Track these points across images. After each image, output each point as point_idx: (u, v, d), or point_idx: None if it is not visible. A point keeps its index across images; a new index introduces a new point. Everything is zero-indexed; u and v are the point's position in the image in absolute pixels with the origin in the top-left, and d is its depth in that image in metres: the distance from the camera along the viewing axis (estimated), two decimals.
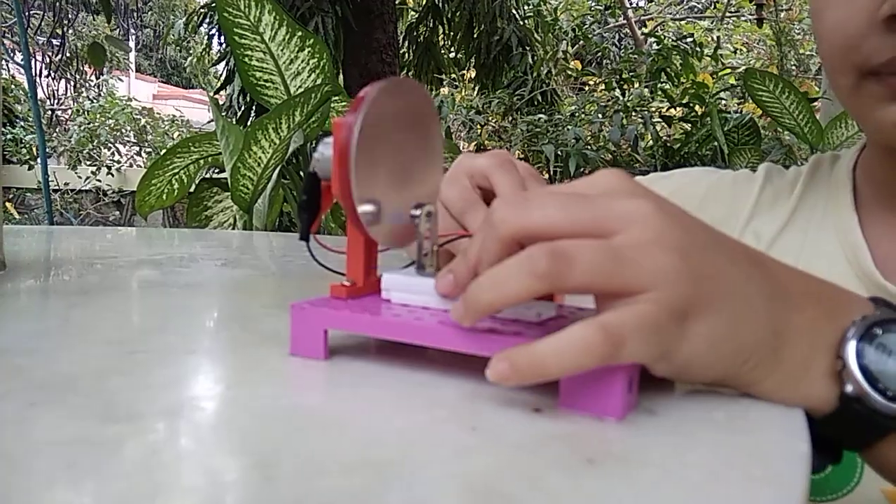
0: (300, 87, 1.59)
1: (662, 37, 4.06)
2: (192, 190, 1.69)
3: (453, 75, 6.06)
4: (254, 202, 1.43)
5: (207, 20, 3.72)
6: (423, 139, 0.37)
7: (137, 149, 5.40)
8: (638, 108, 3.45)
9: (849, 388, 0.29)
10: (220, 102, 4.56)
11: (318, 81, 1.58)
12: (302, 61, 1.59)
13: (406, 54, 5.46)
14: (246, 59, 1.58)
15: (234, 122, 4.19)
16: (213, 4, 3.82)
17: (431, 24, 5.23)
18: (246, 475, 0.21)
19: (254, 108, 3.13)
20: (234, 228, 1.59)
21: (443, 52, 5.45)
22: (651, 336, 0.26)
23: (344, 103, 1.86)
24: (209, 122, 4.77)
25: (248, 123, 3.91)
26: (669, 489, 0.21)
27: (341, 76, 4.76)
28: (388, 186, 0.35)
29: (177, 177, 1.66)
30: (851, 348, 0.29)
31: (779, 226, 0.61)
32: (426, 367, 0.32)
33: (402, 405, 0.28)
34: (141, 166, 5.18)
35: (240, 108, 3.81)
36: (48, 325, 0.40)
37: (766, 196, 0.63)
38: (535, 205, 0.28)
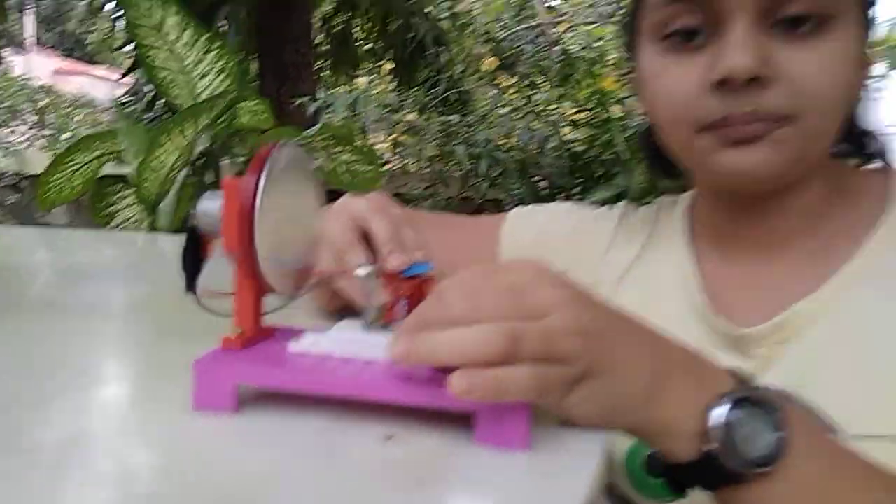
0: (207, 87, 1.61)
1: (570, 42, 4.22)
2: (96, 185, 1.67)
3: (371, 66, 6.07)
4: (159, 202, 1.44)
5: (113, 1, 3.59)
6: (307, 192, 0.43)
7: (37, 129, 5.14)
8: (546, 112, 3.58)
9: (710, 446, 0.37)
10: (127, 89, 4.41)
11: (226, 83, 1.61)
12: (209, 63, 1.61)
13: (321, 45, 5.44)
14: (151, 60, 1.59)
15: (145, 105, 4.07)
16: None
17: (347, 16, 5.23)
18: None
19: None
20: (138, 227, 1.59)
21: (358, 44, 5.45)
22: (541, 388, 0.34)
23: (255, 101, 1.89)
24: (113, 109, 4.60)
25: (154, 117, 3.82)
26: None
27: (256, 65, 4.70)
28: (281, 240, 0.39)
29: (79, 172, 1.64)
30: (715, 416, 0.37)
31: (630, 260, 0.69)
32: (313, 408, 0.36)
33: (268, 445, 0.33)
34: (43, 148, 4.94)
35: (146, 96, 3.72)
36: None
37: (621, 232, 0.71)
38: (481, 295, 0.35)
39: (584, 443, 0.36)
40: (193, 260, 0.41)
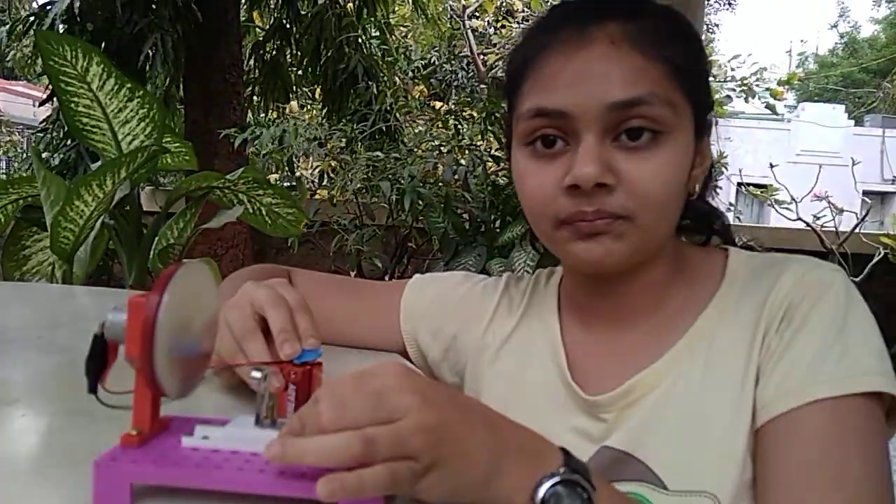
0: (129, 134, 1.64)
1: (495, 78, 4.37)
2: (9, 230, 1.67)
3: (302, 92, 6.08)
4: (74, 252, 1.46)
5: (35, 29, 3.52)
6: (203, 297, 0.49)
7: None
8: (471, 147, 3.69)
9: None
10: (48, 115, 4.29)
11: (147, 130, 1.64)
12: (131, 111, 1.64)
13: (252, 72, 5.43)
14: (73, 106, 1.60)
15: (62, 136, 3.98)
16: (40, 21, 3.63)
17: (278, 44, 5.25)
18: None
19: None
20: (53, 271, 1.59)
21: (290, 70, 5.47)
22: (393, 483, 0.40)
23: (177, 144, 1.92)
24: (38, 122, 4.46)
25: (73, 143, 3.72)
26: None
27: (182, 91, 4.65)
28: (178, 347, 0.44)
29: None
30: (539, 495, 0.44)
31: (509, 329, 0.78)
32: (203, 499, 0.40)
33: None
34: None
35: (66, 125, 3.64)
36: None
37: (503, 303, 0.80)
38: (350, 405, 0.42)
39: None
40: (98, 365, 0.47)
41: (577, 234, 0.62)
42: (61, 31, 3.66)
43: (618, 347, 0.69)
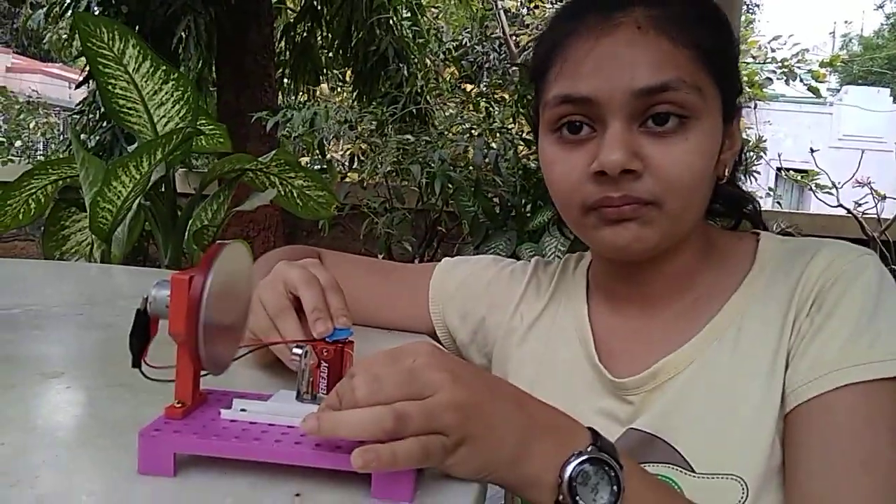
0: (164, 116, 1.66)
1: (526, 61, 4.32)
2: (49, 211, 1.70)
3: (333, 74, 6.10)
4: (112, 232, 1.48)
5: (70, 13, 3.58)
6: (243, 285, 0.50)
7: None
8: (502, 131, 3.67)
9: (560, 497, 0.45)
10: (84, 97, 4.37)
11: (182, 112, 1.66)
12: (166, 93, 1.66)
13: (283, 54, 5.45)
14: (109, 87, 1.63)
15: (98, 118, 4.05)
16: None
17: (309, 26, 5.26)
18: None
19: None
20: (91, 251, 1.63)
21: (321, 52, 5.48)
22: (425, 456, 0.42)
23: (211, 126, 1.94)
24: (75, 104, 4.55)
25: (109, 125, 3.79)
26: None
27: (214, 73, 4.69)
28: (219, 324, 0.45)
29: (34, 197, 1.67)
30: (567, 472, 0.45)
31: (537, 312, 0.78)
32: (240, 469, 0.42)
33: (205, 499, 0.40)
34: None
35: (103, 107, 3.70)
36: None
37: (531, 287, 0.80)
38: (385, 382, 0.43)
39: (460, 496, 0.44)
40: (140, 339, 0.48)
41: (604, 220, 0.63)
42: (96, 14, 3.71)
43: (645, 331, 0.69)
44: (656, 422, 0.63)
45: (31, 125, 5.05)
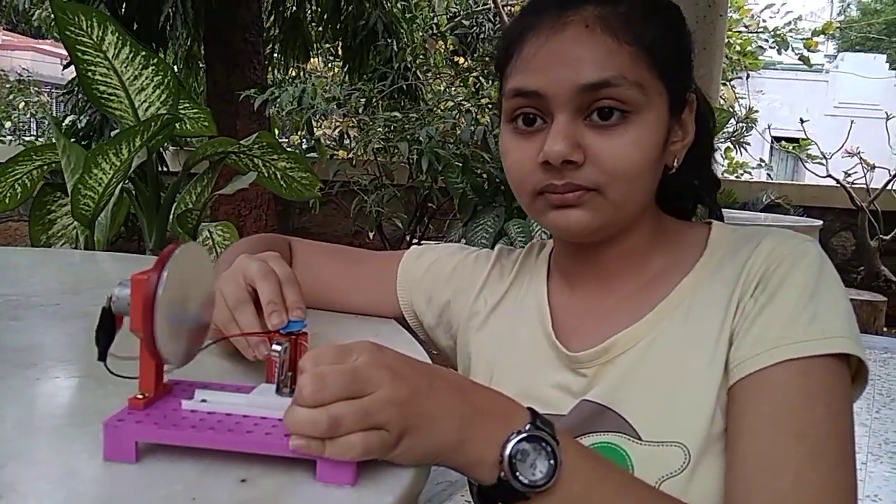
0: (145, 101, 1.68)
1: None
2: (35, 195, 1.73)
3: (325, 48, 6.05)
4: (95, 218, 1.51)
5: None
6: (201, 274, 0.53)
7: None
8: (490, 107, 3.67)
9: (501, 474, 0.49)
10: (73, 77, 4.35)
11: (163, 97, 1.67)
12: (146, 78, 1.67)
13: (272, 29, 5.42)
14: (90, 74, 1.64)
15: (87, 99, 4.04)
16: None
17: (298, 1, 5.22)
18: None
19: None
20: (77, 235, 1.66)
21: (310, 27, 5.44)
22: (364, 451, 0.45)
23: (195, 110, 1.95)
24: (65, 83, 4.52)
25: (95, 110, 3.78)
26: None
27: (202, 49, 4.66)
28: (177, 320, 0.48)
29: (19, 181, 1.70)
30: (507, 449, 0.48)
31: (499, 296, 0.82)
32: (196, 455, 0.46)
33: (155, 486, 0.43)
34: None
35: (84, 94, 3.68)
36: None
37: (494, 272, 0.84)
38: (328, 383, 0.45)
39: (401, 478, 0.48)
40: (106, 336, 0.51)
41: (550, 204, 0.67)
42: None
43: (600, 309, 0.73)
44: (607, 394, 0.67)
45: (21, 106, 5.04)
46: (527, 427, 0.50)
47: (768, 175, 6.85)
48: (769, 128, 6.17)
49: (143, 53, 1.66)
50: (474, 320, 0.82)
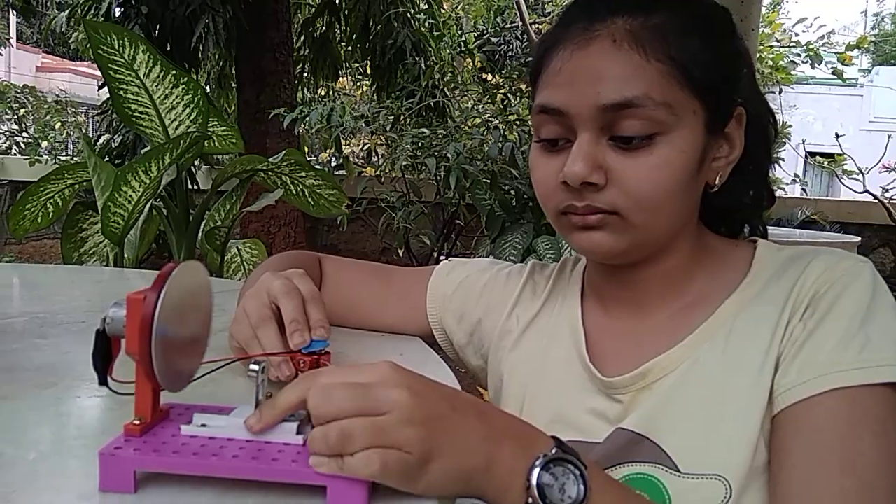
0: (175, 119, 1.69)
1: None
2: (67, 214, 1.75)
3: (353, 67, 6.11)
4: (125, 235, 1.52)
5: (93, 13, 3.64)
6: (200, 304, 0.51)
7: (17, 133, 5.17)
8: (518, 123, 3.66)
9: (529, 500, 0.46)
10: (108, 96, 4.45)
11: (193, 115, 1.68)
12: (176, 97, 1.69)
13: (301, 49, 5.48)
14: (121, 93, 1.66)
15: (120, 120, 4.11)
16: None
17: (327, 21, 5.27)
18: None
19: None
20: (108, 257, 1.67)
21: (340, 47, 5.50)
22: (382, 467, 0.42)
23: (224, 128, 1.97)
24: (100, 103, 4.62)
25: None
26: None
27: (234, 71, 4.74)
28: (175, 342, 0.46)
29: (52, 200, 1.72)
30: (534, 475, 0.46)
31: (533, 313, 0.79)
32: (199, 484, 0.43)
33: None
34: (20, 154, 4.96)
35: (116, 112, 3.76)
36: None
37: (527, 289, 0.81)
38: (335, 396, 0.44)
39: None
40: (103, 358, 0.48)
41: (573, 225, 0.65)
42: (117, 14, 3.77)
43: (636, 332, 0.70)
44: (644, 422, 0.64)
45: (58, 126, 5.16)
46: (553, 451, 0.48)
47: (803, 190, 6.70)
48: (803, 143, 6.05)
49: (174, 72, 1.68)
50: (506, 339, 0.80)
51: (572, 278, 0.80)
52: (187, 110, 1.69)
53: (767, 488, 0.58)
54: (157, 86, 1.66)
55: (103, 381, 0.47)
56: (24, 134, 5.05)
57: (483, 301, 0.83)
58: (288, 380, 0.58)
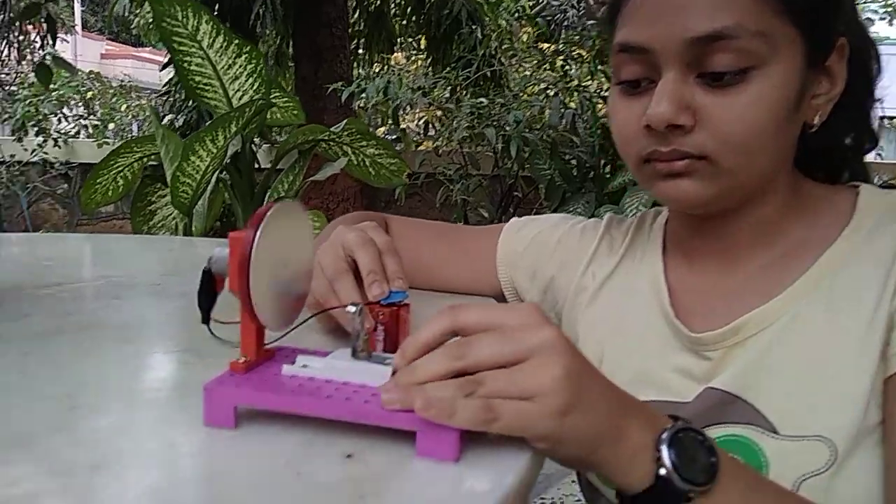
0: (238, 90, 1.69)
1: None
2: (136, 187, 1.78)
3: (407, 42, 6.08)
4: (193, 206, 1.53)
5: None
6: (299, 238, 0.50)
7: (84, 116, 5.34)
8: (579, 89, 3.56)
9: (662, 471, 0.42)
10: (170, 76, 4.55)
11: (256, 86, 1.68)
12: (239, 67, 1.68)
13: (357, 24, 5.47)
14: (185, 65, 1.67)
15: (183, 98, 4.20)
16: None
17: None
18: None
19: None
20: (177, 225, 1.69)
21: (394, 21, 5.46)
22: (529, 424, 0.40)
23: (285, 99, 1.96)
24: (162, 86, 4.75)
25: (194, 105, 3.93)
26: None
27: (291, 48, 4.77)
28: (274, 283, 0.47)
29: (121, 174, 1.75)
30: (665, 444, 0.43)
31: (609, 269, 0.75)
32: (297, 425, 0.43)
33: (256, 459, 0.39)
34: (89, 136, 5.13)
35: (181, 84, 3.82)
36: (4, 381, 0.50)
37: (603, 244, 0.77)
38: (475, 345, 0.41)
39: (517, 458, 0.42)
40: (207, 297, 0.49)
41: (657, 173, 0.60)
42: None
43: (726, 286, 0.65)
44: (737, 381, 0.60)
45: (123, 108, 5.31)
46: (678, 422, 0.44)
47: (878, 155, 6.37)
48: (881, 105, 5.71)
49: (237, 42, 1.68)
50: (582, 296, 0.76)
51: (652, 232, 0.75)
52: (250, 80, 1.69)
53: (878, 450, 0.53)
54: (220, 56, 1.66)
55: (206, 320, 0.48)
56: (92, 117, 5.22)
57: (557, 257, 0.79)
58: (368, 332, 0.56)
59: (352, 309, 0.47)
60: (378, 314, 0.57)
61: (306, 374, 0.46)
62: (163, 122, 4.20)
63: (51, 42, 3.54)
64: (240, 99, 1.71)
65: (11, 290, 0.80)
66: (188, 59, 1.67)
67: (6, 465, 0.37)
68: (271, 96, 1.81)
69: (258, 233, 0.44)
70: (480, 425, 0.40)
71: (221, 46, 1.66)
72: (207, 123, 1.51)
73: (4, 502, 0.34)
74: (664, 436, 0.43)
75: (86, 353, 0.59)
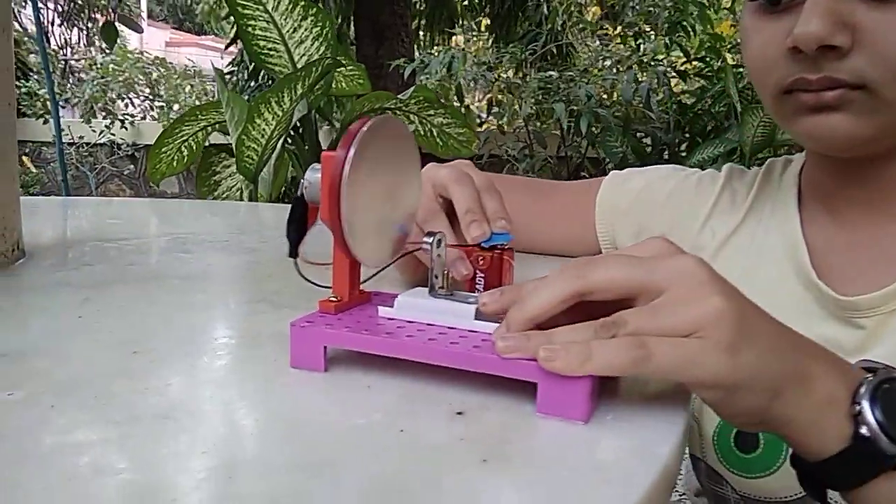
0: (303, 55, 1.63)
1: None
2: (200, 157, 1.74)
3: (467, 23, 5.97)
4: (258, 172, 1.48)
5: None
6: (403, 166, 0.43)
7: (150, 101, 5.44)
8: (653, 63, 3.40)
9: (863, 430, 0.34)
10: (232, 57, 4.57)
11: (322, 50, 1.62)
12: (305, 30, 1.62)
13: (419, 4, 5.39)
14: (250, 29, 1.62)
15: (246, 77, 4.21)
16: None
17: None
18: (212, 475, 0.28)
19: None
20: (241, 195, 1.65)
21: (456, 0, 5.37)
22: (694, 362, 0.32)
23: (351, 67, 1.89)
24: (227, 64, 4.79)
25: (257, 84, 3.95)
26: (538, 486, 0.27)
27: (352, 29, 4.73)
28: (372, 212, 0.40)
29: (186, 144, 1.72)
30: (867, 397, 0.35)
31: (733, 226, 0.65)
32: (395, 372, 0.38)
33: (350, 410, 0.34)
34: (154, 118, 5.22)
35: (250, 65, 3.83)
36: (63, 325, 0.47)
37: (724, 197, 0.67)
38: (601, 265, 0.35)
39: (671, 422, 0.33)
40: (298, 227, 0.42)
41: (801, 107, 0.51)
42: None
43: (875, 243, 0.57)
44: None
45: (187, 89, 5.39)
46: (880, 372, 0.36)
47: None
48: None
49: (302, 4, 1.61)
50: (701, 255, 0.66)
51: (783, 183, 0.64)
52: (316, 44, 1.62)
53: None
54: (285, 19, 1.60)
55: (294, 254, 0.42)
56: (158, 99, 5.31)
57: (667, 213, 0.69)
58: (464, 279, 0.47)
59: (428, 239, 0.41)
60: (478, 259, 0.49)
61: (403, 316, 0.40)
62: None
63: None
64: (305, 63, 1.65)
65: (75, 244, 0.76)
66: (252, 22, 1.61)
67: (61, 411, 0.33)
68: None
69: (352, 150, 0.38)
70: (628, 366, 0.32)
71: (287, 9, 1.60)
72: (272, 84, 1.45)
73: (58, 450, 0.29)
74: (863, 389, 0.35)
75: (151, 301, 0.55)
